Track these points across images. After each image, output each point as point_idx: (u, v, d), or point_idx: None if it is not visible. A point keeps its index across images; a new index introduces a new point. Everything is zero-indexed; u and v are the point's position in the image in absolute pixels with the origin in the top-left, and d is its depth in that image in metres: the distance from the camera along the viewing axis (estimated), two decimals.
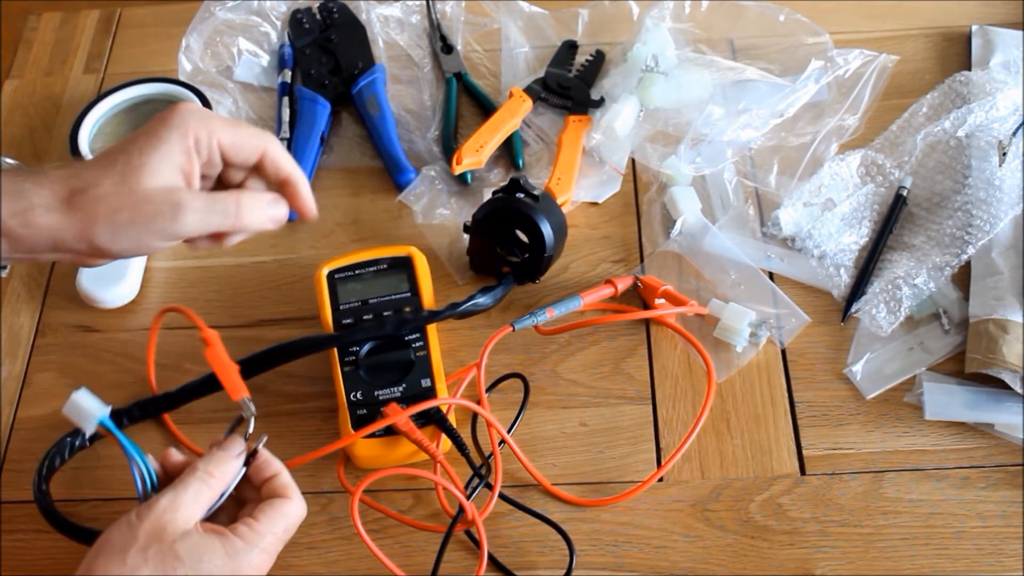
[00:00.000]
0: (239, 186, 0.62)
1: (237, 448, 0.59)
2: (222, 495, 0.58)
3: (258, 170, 0.61)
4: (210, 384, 0.70)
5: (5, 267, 0.55)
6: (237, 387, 0.62)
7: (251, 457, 0.59)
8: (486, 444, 0.70)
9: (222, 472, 0.57)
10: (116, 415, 0.69)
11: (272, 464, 0.60)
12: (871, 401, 0.71)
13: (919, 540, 0.65)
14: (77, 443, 0.68)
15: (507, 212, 0.74)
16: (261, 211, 0.60)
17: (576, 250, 0.79)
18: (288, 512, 0.58)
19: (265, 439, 0.60)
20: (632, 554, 0.65)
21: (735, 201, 0.81)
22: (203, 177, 0.61)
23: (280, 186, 0.62)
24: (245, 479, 0.59)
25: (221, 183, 0.62)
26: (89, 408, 0.59)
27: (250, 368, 0.69)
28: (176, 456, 0.60)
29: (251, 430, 0.61)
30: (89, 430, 0.59)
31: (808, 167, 0.81)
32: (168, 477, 0.59)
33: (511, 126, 0.85)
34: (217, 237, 0.60)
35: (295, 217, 0.82)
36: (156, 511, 0.54)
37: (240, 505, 0.59)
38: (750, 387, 0.72)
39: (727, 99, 0.85)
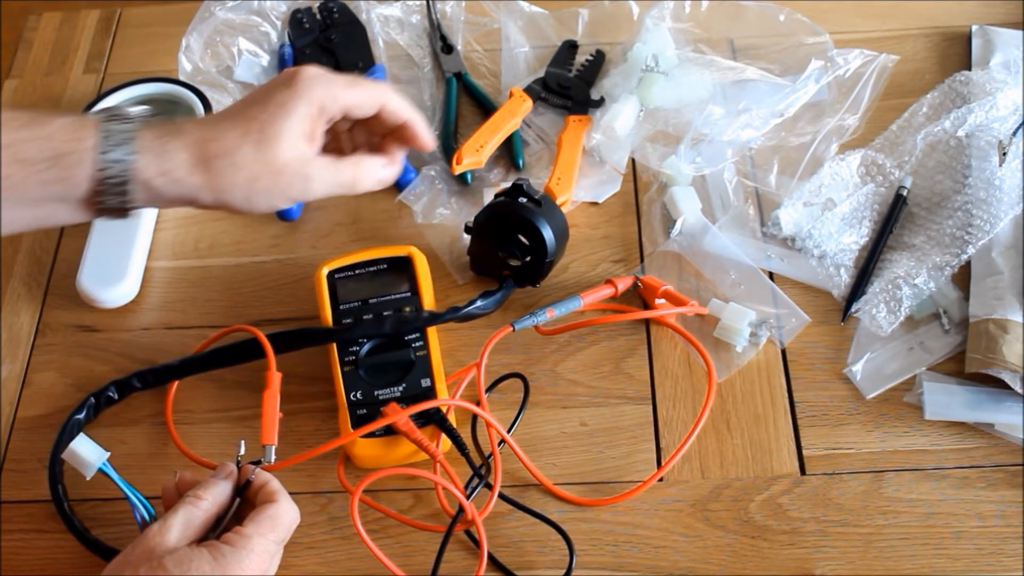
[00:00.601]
0: (343, 133, 0.68)
1: (224, 471, 0.62)
2: (219, 519, 0.60)
3: (375, 120, 0.66)
4: (210, 360, 0.73)
5: (130, 214, 0.60)
6: (271, 434, 0.66)
7: (246, 487, 0.61)
8: (486, 444, 0.70)
9: (210, 494, 0.60)
10: (119, 386, 0.73)
11: (261, 475, 0.62)
12: (871, 401, 0.71)
13: (918, 540, 0.65)
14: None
15: (509, 216, 0.74)
16: (375, 175, 0.66)
17: (576, 250, 0.79)
18: (275, 514, 0.59)
19: (256, 471, 0.62)
20: (632, 554, 0.65)
21: (735, 201, 0.81)
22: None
23: (399, 130, 0.67)
24: (243, 501, 0.61)
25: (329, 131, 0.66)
26: (88, 456, 0.63)
27: (249, 351, 0.72)
28: (188, 477, 0.62)
29: (242, 452, 0.63)
30: (89, 475, 0.63)
31: (808, 167, 0.81)
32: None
33: (511, 126, 0.85)
34: None
35: (296, 217, 0.83)
36: (148, 536, 0.57)
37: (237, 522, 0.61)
38: (750, 387, 0.72)
39: (727, 99, 0.85)
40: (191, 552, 0.56)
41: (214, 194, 0.60)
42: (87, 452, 0.63)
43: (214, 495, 0.60)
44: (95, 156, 0.57)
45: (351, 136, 0.69)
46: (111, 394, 0.72)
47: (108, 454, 0.62)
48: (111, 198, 0.58)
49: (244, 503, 0.61)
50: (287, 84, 0.62)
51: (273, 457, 0.65)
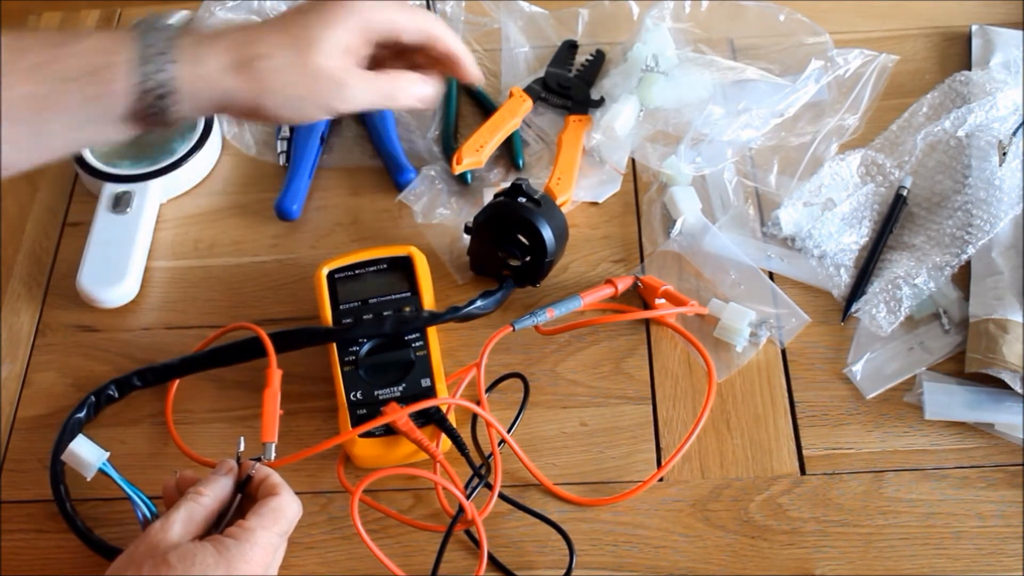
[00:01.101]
0: (386, 62, 0.66)
1: (225, 467, 0.61)
2: (222, 515, 0.60)
3: (421, 52, 0.66)
4: (211, 359, 0.73)
5: (174, 123, 0.60)
6: (272, 431, 0.66)
7: (247, 483, 0.61)
8: (486, 444, 0.70)
9: (210, 490, 0.59)
10: (119, 384, 0.73)
11: (261, 470, 0.62)
12: (871, 401, 0.71)
13: (918, 540, 0.65)
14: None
15: (508, 216, 0.74)
16: (414, 90, 0.65)
17: (576, 250, 0.80)
18: (277, 507, 0.59)
19: (257, 466, 0.62)
20: (632, 554, 0.65)
21: (735, 201, 0.81)
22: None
23: (445, 62, 0.66)
24: (245, 496, 0.61)
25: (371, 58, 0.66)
26: (87, 457, 0.62)
27: (249, 350, 0.72)
28: (189, 475, 0.62)
29: (242, 448, 0.63)
30: (89, 476, 0.63)
31: (808, 167, 0.81)
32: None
33: (511, 126, 0.85)
34: None
35: (296, 217, 0.83)
36: (150, 533, 0.56)
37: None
38: (750, 387, 0.72)
39: (727, 99, 0.85)
40: (195, 547, 0.55)
41: (250, 96, 0.59)
42: (86, 453, 0.62)
43: (215, 491, 0.60)
44: (133, 68, 0.56)
45: (393, 66, 0.67)
46: (111, 392, 0.72)
47: (108, 454, 0.62)
48: (153, 109, 0.57)
49: (246, 499, 0.61)
50: None
51: (273, 455, 0.65)
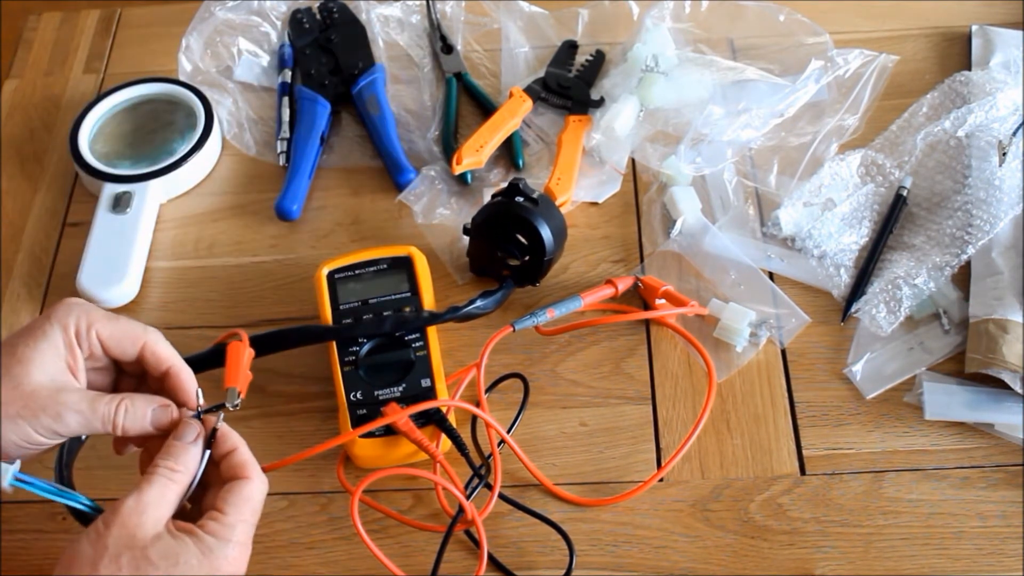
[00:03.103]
0: (122, 382, 0.62)
1: (192, 433, 0.57)
2: (190, 486, 0.57)
3: (141, 363, 0.60)
4: (205, 361, 0.70)
5: None
6: (235, 376, 0.63)
7: (212, 437, 0.58)
8: (486, 444, 0.70)
9: (184, 463, 0.56)
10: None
11: (229, 438, 0.58)
12: (871, 401, 0.71)
13: (919, 540, 0.65)
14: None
15: (506, 216, 0.74)
16: (143, 419, 0.58)
17: (576, 250, 0.79)
18: (251, 494, 0.56)
19: (222, 415, 0.59)
20: (632, 554, 0.65)
21: (735, 201, 0.81)
22: (98, 370, 0.61)
23: (163, 378, 0.60)
24: (210, 461, 0.58)
25: (126, 374, 0.62)
26: None
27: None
28: (166, 415, 0.59)
29: (201, 402, 0.60)
30: (6, 484, 0.56)
31: (808, 167, 0.81)
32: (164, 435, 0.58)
33: (511, 126, 0.85)
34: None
35: (296, 217, 0.83)
36: (122, 515, 0.53)
37: (203, 487, 0.58)
38: (750, 387, 0.72)
39: (727, 99, 0.85)
40: (177, 545, 0.53)
41: None
42: None
43: (187, 464, 0.56)
44: None
45: (130, 387, 0.63)
46: None
47: (16, 465, 0.56)
48: None
49: (210, 462, 0.58)
50: (45, 312, 0.58)
51: (238, 401, 0.61)
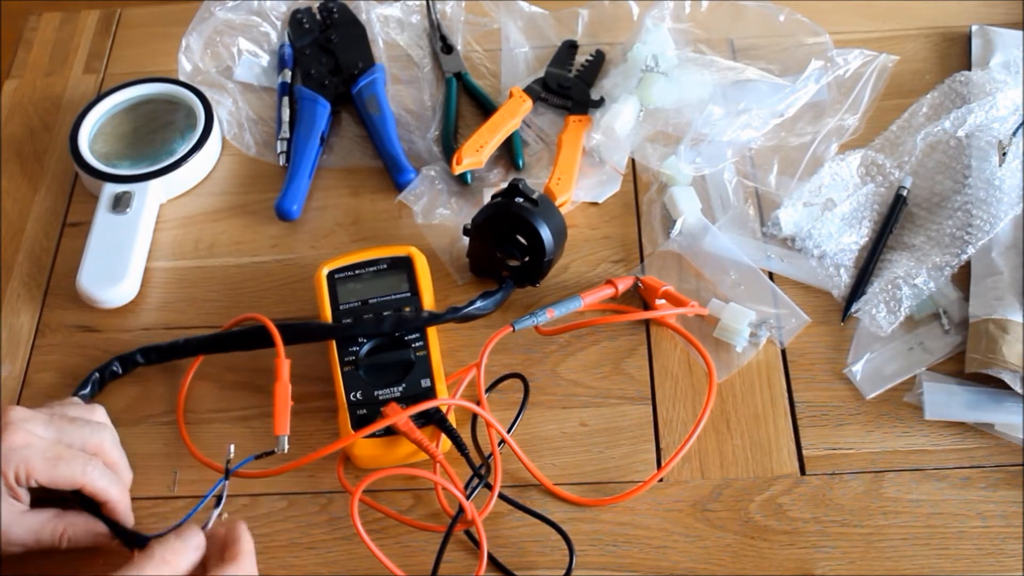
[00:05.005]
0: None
1: (194, 540, 0.59)
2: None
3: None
4: (216, 343, 0.73)
5: None
6: (284, 424, 0.66)
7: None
8: (486, 444, 0.70)
9: (179, 562, 0.58)
10: (123, 361, 0.74)
11: (241, 535, 0.60)
12: (871, 401, 0.71)
13: (919, 540, 0.65)
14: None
15: (505, 216, 0.74)
16: (78, 531, 0.63)
17: (576, 250, 0.80)
18: None
19: (226, 515, 0.62)
20: (632, 554, 0.65)
21: (735, 201, 0.81)
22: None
23: (101, 506, 0.64)
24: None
25: None
26: None
27: (254, 339, 0.72)
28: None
29: (231, 456, 0.63)
30: None
31: (808, 167, 0.81)
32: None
33: (511, 126, 0.85)
34: None
35: (296, 217, 0.83)
36: None
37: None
38: (750, 387, 0.72)
39: (727, 99, 0.85)
40: None
41: None
42: None
43: (180, 564, 0.58)
44: None
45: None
46: (115, 368, 0.73)
47: None
48: None
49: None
50: None
51: (286, 447, 0.65)
